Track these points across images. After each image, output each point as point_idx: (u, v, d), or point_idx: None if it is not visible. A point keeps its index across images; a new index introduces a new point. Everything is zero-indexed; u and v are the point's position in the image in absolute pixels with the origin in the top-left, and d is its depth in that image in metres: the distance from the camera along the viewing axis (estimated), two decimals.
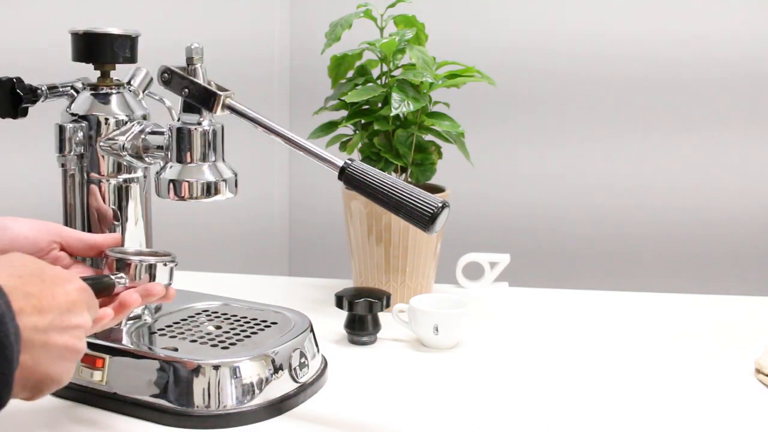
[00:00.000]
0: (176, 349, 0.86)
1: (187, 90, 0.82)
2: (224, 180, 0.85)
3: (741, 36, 1.65)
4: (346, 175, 0.78)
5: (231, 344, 0.88)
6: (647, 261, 1.75)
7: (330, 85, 1.23)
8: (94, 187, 0.91)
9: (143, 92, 0.95)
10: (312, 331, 0.94)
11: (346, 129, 1.22)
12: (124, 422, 0.82)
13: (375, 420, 0.85)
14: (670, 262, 1.75)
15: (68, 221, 0.93)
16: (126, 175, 0.92)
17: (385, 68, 1.20)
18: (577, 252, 1.77)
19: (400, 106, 1.12)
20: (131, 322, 0.92)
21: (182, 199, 0.84)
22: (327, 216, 1.79)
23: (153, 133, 0.88)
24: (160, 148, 0.87)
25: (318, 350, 0.94)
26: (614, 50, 1.69)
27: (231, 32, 1.72)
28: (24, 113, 0.91)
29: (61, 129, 0.89)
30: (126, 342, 0.87)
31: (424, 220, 0.75)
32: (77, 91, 0.93)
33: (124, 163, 0.91)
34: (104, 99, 0.91)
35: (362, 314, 1.05)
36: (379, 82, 1.20)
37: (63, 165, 0.91)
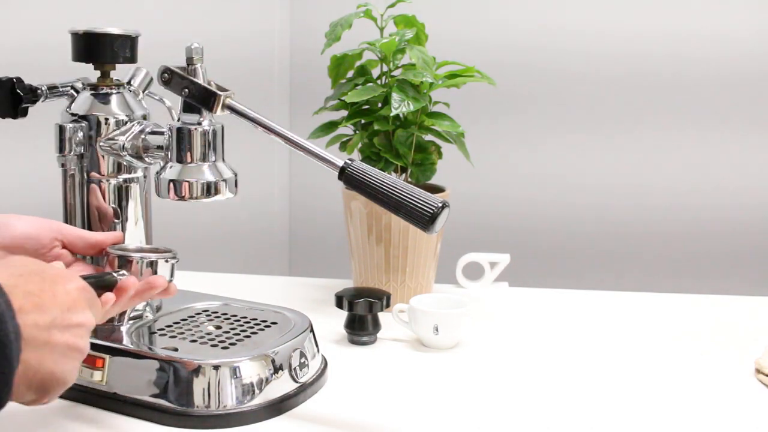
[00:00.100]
0: (176, 349, 0.86)
1: (187, 90, 0.82)
2: (224, 180, 0.85)
3: (742, 34, 1.65)
4: (346, 175, 0.78)
5: (231, 344, 0.88)
6: (647, 261, 1.75)
7: (330, 85, 1.23)
8: (94, 187, 0.91)
9: (143, 92, 0.95)
10: (312, 331, 0.94)
11: (346, 129, 1.22)
12: (124, 422, 0.82)
13: (375, 420, 0.85)
14: (670, 262, 1.75)
15: (68, 221, 0.93)
16: (126, 175, 0.92)
17: (385, 68, 1.20)
18: (577, 252, 1.77)
19: (400, 106, 1.12)
20: (131, 322, 0.92)
21: (182, 199, 0.84)
22: (327, 216, 1.79)
23: (153, 133, 0.88)
24: (160, 148, 0.87)
25: (318, 350, 0.94)
26: (614, 49, 1.68)
27: (231, 32, 1.72)
28: (24, 113, 0.91)
29: (61, 129, 0.89)
30: (126, 342, 0.87)
31: (424, 220, 0.75)
32: (77, 91, 0.93)
33: (124, 163, 0.91)
34: (104, 99, 0.91)
35: (362, 314, 1.05)
36: (379, 82, 1.20)
37: (63, 165, 0.91)
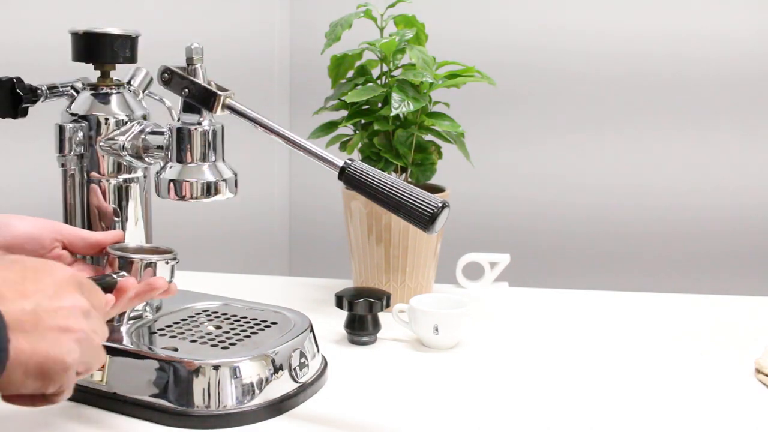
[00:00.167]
0: (176, 349, 0.86)
1: (187, 90, 0.82)
2: (224, 180, 0.85)
3: (742, 34, 1.65)
4: (346, 175, 0.78)
5: (231, 344, 0.88)
6: (647, 261, 1.75)
7: (330, 85, 1.23)
8: (94, 187, 0.91)
9: (143, 92, 0.95)
10: (312, 331, 0.94)
11: (346, 129, 1.22)
12: (124, 422, 0.82)
13: (375, 420, 0.85)
14: (670, 262, 1.75)
15: (68, 221, 0.93)
16: (126, 175, 0.92)
17: (385, 68, 1.20)
18: (577, 252, 1.77)
19: (400, 106, 1.12)
20: (131, 322, 0.92)
21: (182, 199, 0.84)
22: (327, 216, 1.79)
23: (153, 133, 0.88)
24: (160, 148, 0.87)
25: (318, 350, 0.94)
26: (614, 50, 1.69)
27: (231, 32, 1.72)
28: (24, 113, 0.91)
29: (61, 129, 0.89)
30: (126, 342, 0.87)
31: (424, 220, 0.75)
32: (77, 91, 0.93)
33: (124, 163, 0.91)
34: (104, 99, 0.91)
35: (362, 314, 1.05)
36: (379, 82, 1.20)
37: (63, 165, 0.91)
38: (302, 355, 0.89)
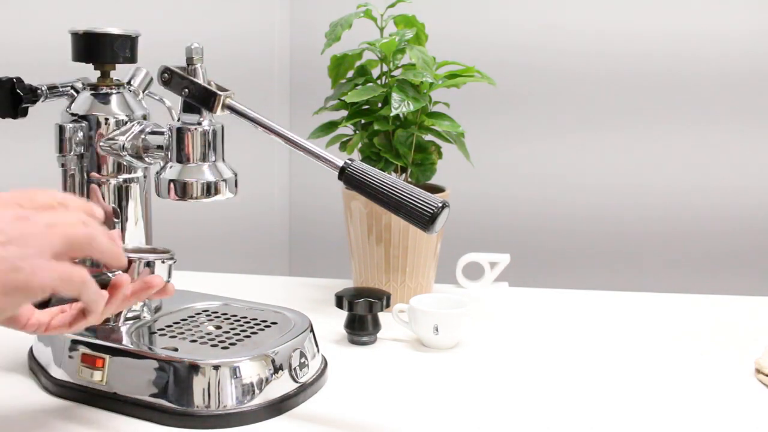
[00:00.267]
0: (176, 349, 0.86)
1: (187, 90, 0.82)
2: (224, 180, 0.85)
3: (742, 34, 1.65)
4: (346, 175, 0.78)
5: (231, 344, 0.88)
6: (647, 261, 1.75)
7: (330, 85, 1.23)
8: (94, 187, 0.91)
9: (143, 92, 0.95)
10: (312, 331, 0.94)
11: (346, 129, 1.22)
12: (124, 422, 0.82)
13: (375, 420, 0.85)
14: (670, 262, 1.75)
15: None
16: (126, 175, 0.92)
17: (385, 68, 1.20)
18: (577, 252, 1.77)
19: (400, 106, 1.12)
20: (131, 322, 0.92)
21: (182, 199, 0.84)
22: (327, 216, 1.79)
23: (153, 133, 0.88)
24: (160, 148, 0.87)
25: (318, 350, 0.94)
26: (615, 49, 1.69)
27: (231, 32, 1.72)
28: (24, 113, 0.91)
29: (61, 129, 0.89)
30: (126, 342, 0.87)
31: (424, 220, 0.75)
32: (77, 91, 0.93)
33: (124, 163, 0.91)
34: (104, 99, 0.91)
35: (362, 314, 1.05)
36: (379, 82, 1.20)
37: (63, 165, 0.91)
38: (302, 355, 0.89)
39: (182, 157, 0.84)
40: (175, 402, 0.81)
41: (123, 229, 0.92)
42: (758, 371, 0.97)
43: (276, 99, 1.83)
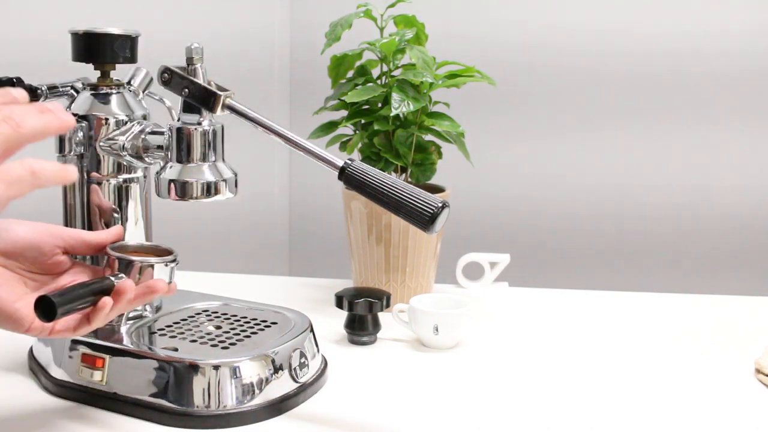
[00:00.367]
0: (176, 349, 0.86)
1: (187, 90, 0.82)
2: (224, 180, 0.85)
3: (742, 32, 1.65)
4: (346, 175, 0.78)
5: (231, 344, 0.88)
6: (647, 261, 1.75)
7: (330, 85, 1.23)
8: (94, 187, 0.91)
9: (143, 92, 0.95)
10: (312, 331, 0.94)
11: (346, 129, 1.22)
12: (124, 422, 0.82)
13: (375, 420, 0.85)
14: (670, 262, 1.75)
15: (68, 221, 0.93)
16: (126, 175, 0.92)
17: (385, 68, 1.20)
18: (577, 252, 1.77)
19: (400, 106, 1.12)
20: (131, 321, 0.92)
21: (182, 199, 0.84)
22: (327, 216, 1.79)
23: (153, 133, 0.88)
24: (160, 148, 0.87)
25: (318, 350, 0.94)
26: (615, 48, 1.69)
27: (231, 32, 1.72)
28: None
29: None
30: (126, 342, 0.87)
31: (424, 220, 0.75)
32: (77, 91, 0.93)
33: (124, 163, 0.91)
34: (104, 99, 0.91)
35: (362, 314, 1.05)
36: (379, 82, 1.20)
37: None
38: (302, 355, 0.89)
39: (182, 157, 0.84)
40: (175, 402, 0.81)
41: (123, 230, 0.92)
42: (758, 371, 0.97)
43: (276, 99, 1.83)
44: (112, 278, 0.75)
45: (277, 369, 0.86)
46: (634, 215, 1.74)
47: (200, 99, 0.81)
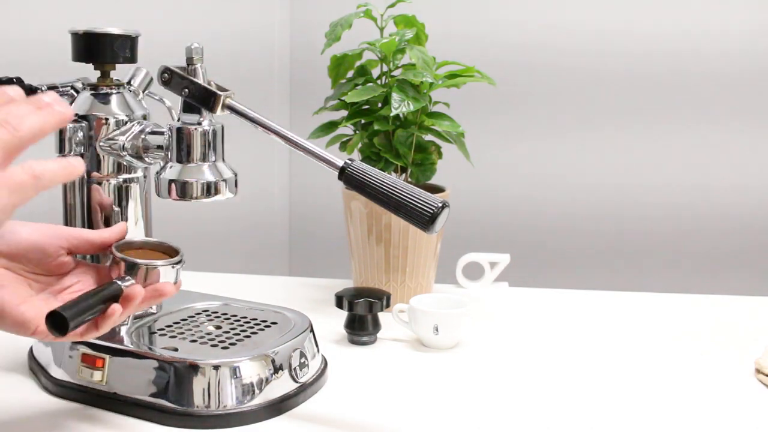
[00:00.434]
0: (176, 349, 0.86)
1: (187, 90, 0.82)
2: (224, 180, 0.85)
3: (742, 32, 1.65)
4: (346, 175, 0.78)
5: (231, 344, 0.88)
6: (647, 261, 1.75)
7: (330, 85, 1.23)
8: (94, 187, 0.91)
9: (143, 92, 0.95)
10: (312, 331, 0.94)
11: (346, 129, 1.22)
12: (124, 422, 0.82)
13: (375, 420, 0.85)
14: (670, 262, 1.75)
15: (68, 221, 0.93)
16: (126, 175, 0.92)
17: (385, 68, 1.20)
18: (577, 252, 1.77)
19: (400, 106, 1.12)
20: (131, 321, 0.92)
21: (182, 199, 0.84)
22: (327, 216, 1.79)
23: (153, 133, 0.88)
24: (160, 148, 0.87)
25: (318, 350, 0.94)
26: (615, 48, 1.69)
27: (231, 32, 1.72)
28: None
29: (61, 129, 0.89)
30: (126, 342, 0.87)
31: (424, 220, 0.75)
32: (77, 91, 0.93)
33: (124, 163, 0.91)
34: (104, 99, 0.91)
35: (362, 314, 1.05)
36: (379, 82, 1.20)
37: None
38: (302, 355, 0.89)
39: (182, 157, 0.84)
40: (175, 402, 0.81)
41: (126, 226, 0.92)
42: (758, 371, 0.97)
43: (276, 99, 1.83)
44: (119, 282, 0.74)
45: (277, 369, 0.86)
46: (634, 215, 1.74)
47: (200, 99, 0.81)
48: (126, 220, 0.93)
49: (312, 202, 1.88)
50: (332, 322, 1.11)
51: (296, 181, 1.89)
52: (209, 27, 1.67)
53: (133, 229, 0.93)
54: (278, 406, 0.85)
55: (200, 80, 0.82)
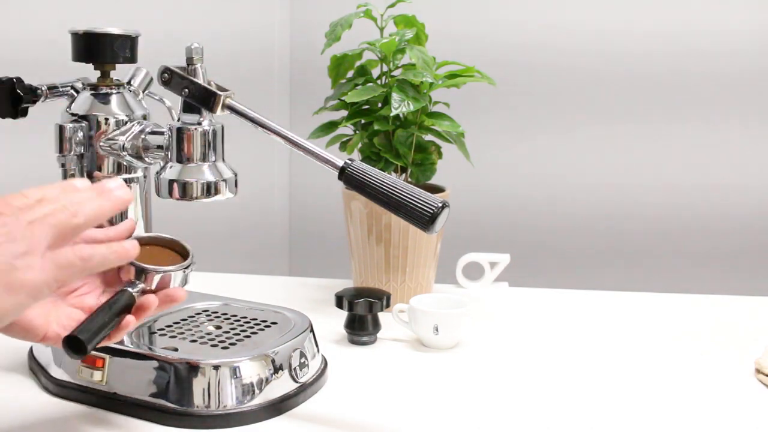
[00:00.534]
0: (176, 349, 0.86)
1: (187, 90, 0.82)
2: (224, 180, 0.85)
3: (742, 31, 1.65)
4: (346, 175, 0.78)
5: (231, 344, 0.88)
6: (647, 261, 1.75)
7: (330, 85, 1.23)
8: None
9: (143, 92, 0.95)
10: (312, 331, 0.94)
11: (346, 129, 1.22)
12: (124, 422, 0.82)
13: (375, 420, 0.85)
14: (670, 262, 1.75)
15: None
16: (126, 175, 0.92)
17: (385, 68, 1.20)
18: (577, 252, 1.77)
19: (400, 106, 1.12)
20: None
21: (182, 199, 0.84)
22: (327, 216, 1.79)
23: (153, 133, 0.88)
24: (160, 148, 0.87)
25: (318, 350, 0.94)
26: (615, 48, 1.69)
27: (231, 33, 1.72)
28: (24, 113, 0.91)
29: (61, 129, 0.89)
30: (126, 342, 0.86)
31: (424, 220, 0.75)
32: (77, 91, 0.93)
33: (124, 163, 0.91)
34: (104, 99, 0.91)
35: (362, 314, 1.05)
36: (379, 82, 1.20)
37: (63, 165, 0.91)
38: (302, 355, 0.89)
39: (182, 157, 0.84)
40: (175, 402, 0.81)
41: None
42: (758, 371, 0.97)
43: (276, 99, 1.83)
44: (130, 289, 0.73)
45: (277, 369, 0.86)
46: (634, 215, 1.74)
47: (200, 99, 0.81)
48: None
49: (312, 202, 1.88)
50: (332, 322, 1.11)
51: (296, 181, 1.89)
52: (209, 27, 1.67)
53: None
54: (278, 406, 0.85)
55: (200, 80, 0.82)
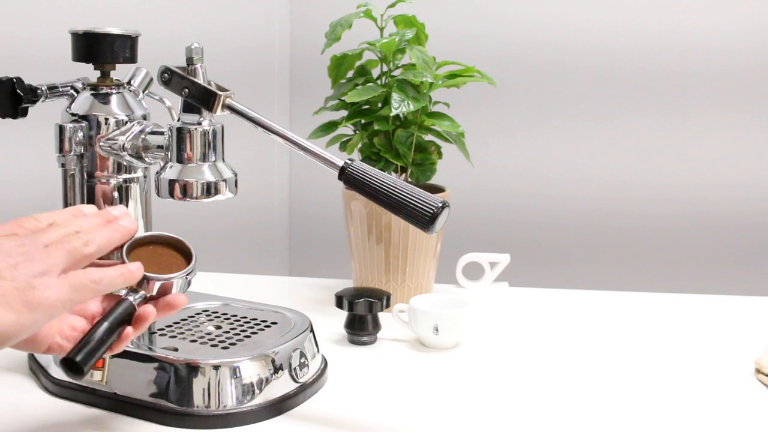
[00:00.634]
0: (176, 349, 0.86)
1: (187, 90, 0.82)
2: (224, 180, 0.85)
3: (741, 28, 1.65)
4: (346, 175, 0.78)
5: (231, 344, 0.88)
6: (647, 261, 1.75)
7: (330, 84, 1.23)
8: (94, 187, 0.91)
9: (143, 92, 0.95)
10: (312, 331, 0.94)
11: (346, 129, 1.22)
12: (124, 422, 0.82)
13: (375, 420, 0.85)
14: (669, 261, 1.75)
15: None
16: (126, 175, 0.92)
17: (385, 68, 1.20)
18: (577, 252, 1.77)
19: (400, 106, 1.12)
20: None
21: (182, 199, 0.84)
22: (327, 216, 1.79)
23: (153, 133, 0.88)
24: (160, 148, 0.87)
25: (318, 350, 0.94)
26: (615, 46, 1.69)
27: (231, 32, 1.72)
28: (24, 113, 0.91)
29: (61, 129, 0.89)
30: None
31: (424, 220, 0.75)
32: (77, 91, 0.93)
33: (124, 163, 0.91)
34: (104, 99, 0.91)
35: (362, 314, 1.05)
36: (379, 82, 1.20)
37: (63, 165, 0.91)
38: (302, 355, 0.89)
39: (182, 157, 0.84)
40: (175, 402, 0.81)
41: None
42: (758, 371, 0.97)
43: (276, 99, 1.83)
44: (132, 297, 0.73)
45: (277, 369, 0.86)
46: (634, 215, 1.74)
47: (200, 99, 0.81)
48: None
49: (312, 202, 1.88)
50: (332, 322, 1.11)
51: (296, 181, 1.89)
52: (209, 27, 1.67)
53: None
54: (278, 406, 0.85)
55: (200, 80, 0.82)
